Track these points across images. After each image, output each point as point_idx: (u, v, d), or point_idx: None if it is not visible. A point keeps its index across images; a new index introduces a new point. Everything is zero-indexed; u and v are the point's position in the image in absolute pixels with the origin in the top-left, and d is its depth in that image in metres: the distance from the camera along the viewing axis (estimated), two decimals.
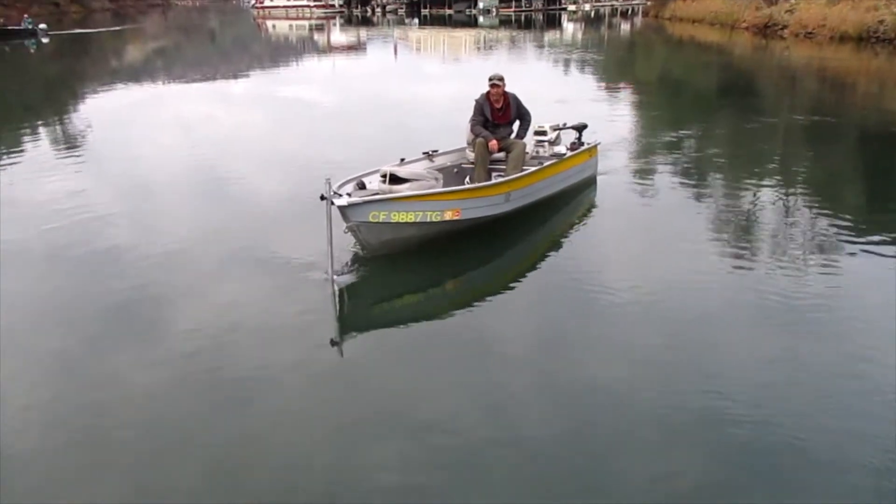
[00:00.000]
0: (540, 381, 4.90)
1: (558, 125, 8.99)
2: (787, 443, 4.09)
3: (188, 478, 3.88)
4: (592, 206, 8.80)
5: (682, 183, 9.95)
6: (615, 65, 29.62)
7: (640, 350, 5.19)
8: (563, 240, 7.64)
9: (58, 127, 16.19)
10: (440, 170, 7.95)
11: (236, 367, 5.00)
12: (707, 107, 17.77)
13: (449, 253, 6.92)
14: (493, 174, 8.07)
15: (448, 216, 6.64)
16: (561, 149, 8.83)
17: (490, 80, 7.96)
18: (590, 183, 9.27)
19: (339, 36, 49.78)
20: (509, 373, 5.00)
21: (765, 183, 9.77)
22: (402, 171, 6.85)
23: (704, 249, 7.22)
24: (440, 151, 8.28)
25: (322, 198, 5.95)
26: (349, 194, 6.36)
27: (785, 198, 9.12)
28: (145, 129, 14.98)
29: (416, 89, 20.68)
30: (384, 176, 6.76)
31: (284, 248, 7.08)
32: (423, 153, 8.10)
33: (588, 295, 6.14)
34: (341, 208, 6.06)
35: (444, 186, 7.26)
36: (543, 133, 8.80)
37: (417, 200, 6.44)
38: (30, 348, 5.36)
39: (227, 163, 11.44)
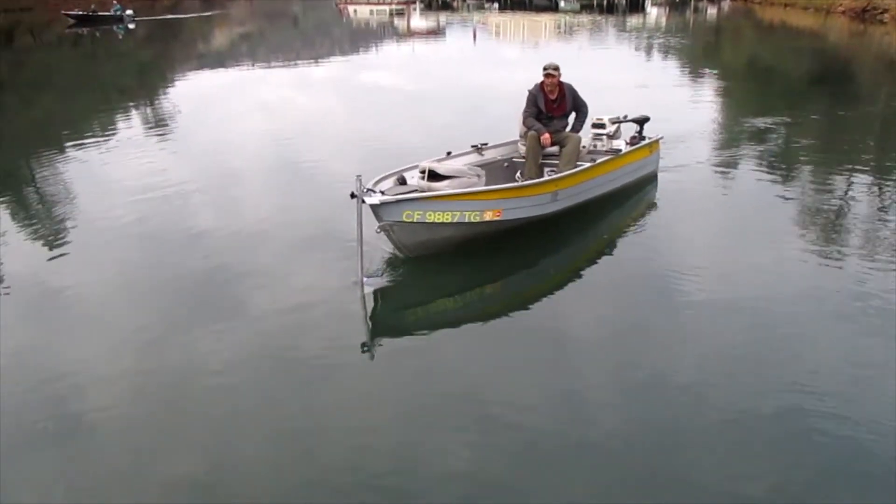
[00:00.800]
0: (587, 392, 4.56)
1: (618, 118, 8.44)
2: (872, 447, 3.89)
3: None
4: (652, 205, 8.23)
5: (761, 179, 9.27)
6: (700, 51, 28.70)
7: (713, 355, 4.96)
8: (616, 242, 7.13)
9: (148, 109, 16.83)
10: (489, 164, 7.58)
11: (254, 371, 4.79)
12: (797, 96, 17.02)
13: (490, 255, 6.50)
14: (546, 169, 7.64)
15: (488, 216, 6.20)
16: (620, 143, 8.27)
17: (544, 69, 7.51)
18: (649, 180, 8.64)
19: (419, 21, 49.91)
20: (556, 384, 4.65)
21: (857, 179, 9.19)
22: (440, 168, 6.45)
23: (784, 249, 6.73)
24: (490, 144, 7.89)
25: (352, 195, 5.58)
26: (382, 192, 6.03)
27: (879, 194, 8.64)
28: (228, 112, 15.41)
29: (492, 75, 20.54)
30: (423, 172, 6.41)
31: (341, 236, 6.82)
32: (472, 146, 7.73)
33: (642, 300, 5.78)
34: (373, 207, 5.72)
35: (490, 183, 6.91)
36: (602, 126, 8.26)
37: (455, 200, 6.02)
38: (111, 316, 5.62)
39: (301, 147, 11.65)
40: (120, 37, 37.96)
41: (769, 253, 6.64)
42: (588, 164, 7.36)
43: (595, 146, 8.17)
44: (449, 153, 7.40)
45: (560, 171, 7.10)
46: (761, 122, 12.82)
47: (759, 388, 4.48)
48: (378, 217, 5.79)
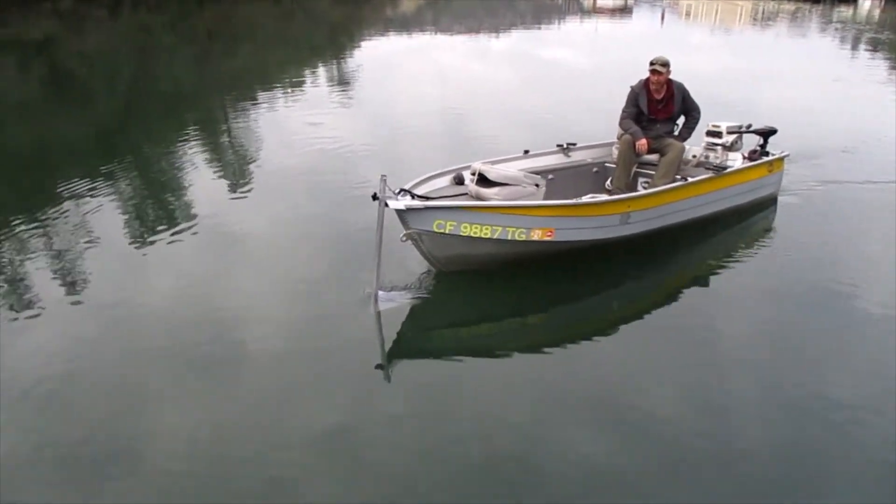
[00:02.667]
0: (624, 463, 3.62)
1: (739, 126, 7.05)
2: None
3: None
4: (761, 238, 6.71)
5: None
6: None
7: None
8: (703, 281, 5.81)
9: (333, 67, 17.91)
10: (575, 167, 6.74)
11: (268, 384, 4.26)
12: None
13: (541, 278, 5.57)
14: (640, 180, 6.68)
15: (537, 236, 5.29)
16: (736, 157, 6.92)
17: (651, 64, 6.45)
18: (765, 205, 7.15)
19: None
20: (593, 447, 3.72)
21: None
22: (491, 172, 5.52)
23: None
24: (579, 144, 6.97)
25: (374, 197, 4.83)
26: (417, 195, 5.25)
27: None
28: (404, 76, 16.06)
29: (674, 60, 19.76)
30: (473, 174, 5.60)
31: None
32: (558, 145, 6.86)
33: (709, 362, 4.60)
34: (399, 212, 4.90)
35: (572, 188, 6.21)
36: (717, 134, 6.95)
37: (496, 212, 5.14)
38: (266, 258, 6.06)
39: (466, 116, 11.96)
40: None
41: None
42: (679, 183, 6.17)
43: (707, 157, 6.94)
44: (526, 151, 6.57)
45: (654, 184, 6.27)
46: None
47: None
48: (405, 224, 4.99)
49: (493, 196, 5.40)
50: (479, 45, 23.59)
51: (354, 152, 9.26)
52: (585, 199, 5.88)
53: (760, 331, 5.05)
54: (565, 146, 6.87)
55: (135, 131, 11.28)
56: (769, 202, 7.24)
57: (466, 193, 5.60)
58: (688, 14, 39.48)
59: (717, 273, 5.91)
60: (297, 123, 11.16)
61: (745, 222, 6.87)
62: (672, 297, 5.58)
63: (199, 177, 8.35)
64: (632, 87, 6.67)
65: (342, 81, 15.65)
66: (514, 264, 5.51)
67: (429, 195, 5.45)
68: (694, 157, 6.91)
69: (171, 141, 10.23)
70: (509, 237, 5.20)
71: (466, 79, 16.04)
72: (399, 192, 5.08)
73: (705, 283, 5.79)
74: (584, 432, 3.85)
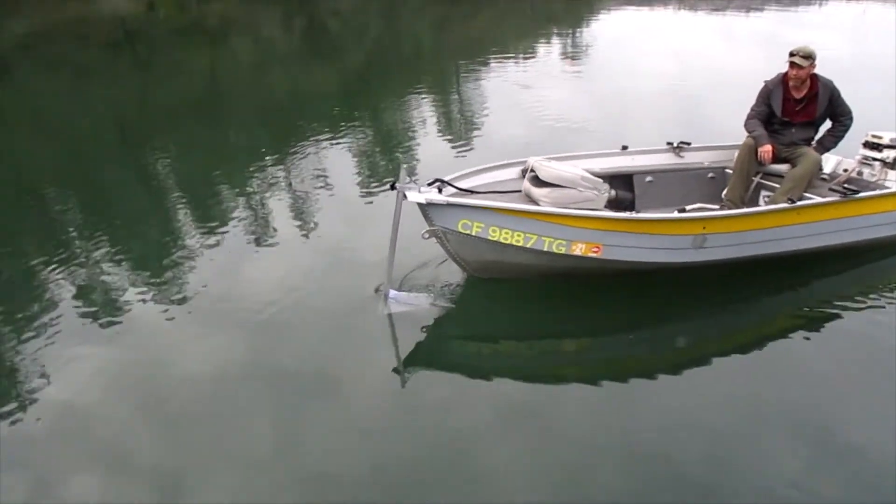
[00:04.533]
0: None
1: None
2: None
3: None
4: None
5: None
6: None
7: None
8: (805, 328, 4.46)
9: (567, 39, 17.89)
10: (686, 170, 5.78)
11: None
12: None
13: (589, 298, 4.71)
14: (762, 193, 5.57)
15: (579, 250, 4.43)
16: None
17: (790, 55, 5.25)
18: None
19: None
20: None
21: None
22: (542, 171, 4.75)
23: None
24: (694, 145, 5.92)
25: (392, 187, 4.37)
26: (462, 189, 4.72)
27: None
28: (638, 52, 15.64)
29: None
30: (528, 170, 4.89)
31: None
32: (668, 143, 5.88)
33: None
34: (421, 207, 4.36)
35: (678, 195, 5.43)
36: (877, 147, 5.62)
37: (531, 218, 4.36)
38: None
39: (691, 97, 11.43)
40: None
41: None
42: (779, 206, 4.91)
43: (860, 173, 5.68)
44: (625, 147, 5.69)
45: (774, 200, 5.17)
46: None
47: None
48: (428, 220, 4.45)
49: (542, 198, 4.66)
50: (725, 24, 22.24)
51: (570, 127, 9.29)
52: (645, 214, 4.95)
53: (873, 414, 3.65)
54: (676, 144, 5.87)
55: (374, 85, 12.18)
56: None
57: (518, 191, 4.92)
58: None
59: (821, 325, 4.53)
60: (521, 93, 11.37)
61: (879, 260, 5.34)
62: (752, 346, 4.31)
63: (425, 135, 8.88)
64: (765, 83, 5.55)
65: (574, 54, 15.62)
66: (561, 278, 4.72)
67: (476, 189, 4.86)
68: (845, 170, 5.68)
69: (404, 97, 10.93)
70: (545, 248, 4.43)
71: (701, 59, 15.28)
72: (433, 183, 4.53)
73: (799, 335, 4.41)
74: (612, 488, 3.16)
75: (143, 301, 4.70)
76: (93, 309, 4.63)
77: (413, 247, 4.70)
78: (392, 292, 4.52)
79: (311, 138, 8.47)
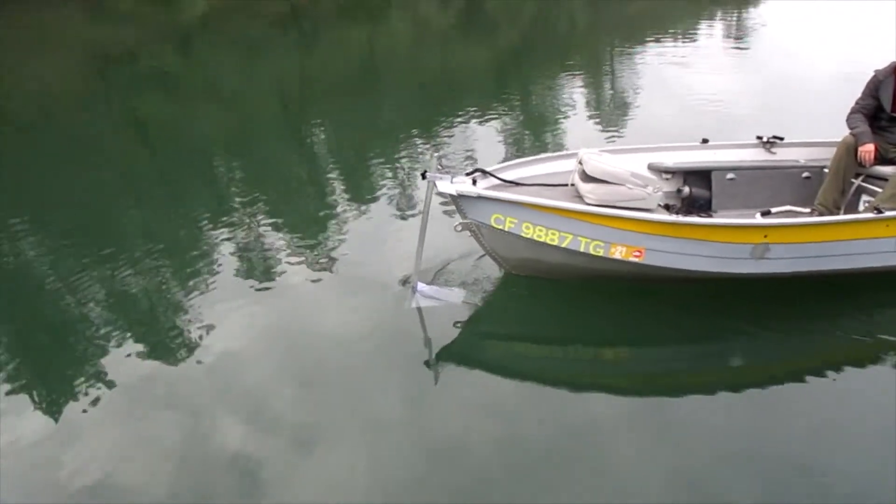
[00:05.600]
0: None
1: None
2: None
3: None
4: None
5: None
6: None
7: None
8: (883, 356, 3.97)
9: (732, 19, 16.93)
10: (777, 168, 5.14)
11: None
12: None
13: (636, 304, 4.37)
14: (863, 198, 4.92)
15: (619, 254, 4.10)
16: None
17: None
18: None
19: None
20: None
21: None
22: (589, 164, 4.34)
23: None
24: (788, 140, 5.26)
25: (423, 176, 4.19)
26: (506, 181, 4.45)
27: None
28: (805, 36, 14.59)
29: None
30: (579, 163, 4.48)
31: None
32: (758, 137, 5.25)
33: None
34: (453, 198, 4.15)
35: (766, 196, 4.89)
36: None
37: (566, 216, 4.06)
38: None
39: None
40: None
41: None
42: (867, 214, 4.36)
43: None
44: (705, 140, 5.14)
45: (877, 203, 4.48)
46: None
47: None
48: (461, 212, 4.24)
49: (587, 193, 4.32)
50: None
51: (727, 112, 8.83)
52: (694, 217, 4.49)
53: None
54: (768, 139, 5.25)
55: (525, 63, 12.16)
56: None
57: (567, 184, 4.62)
58: None
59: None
60: (677, 76, 10.94)
61: None
62: (816, 373, 3.83)
63: (574, 116, 8.78)
64: (875, 72, 4.90)
65: (738, 37, 14.79)
66: (604, 280, 4.39)
67: (524, 180, 4.56)
68: None
69: (555, 77, 10.84)
70: (582, 249, 4.12)
71: (865, 50, 14.00)
72: (472, 173, 4.35)
73: (875, 366, 3.92)
74: None
75: (292, 264, 5.02)
76: (249, 268, 5.03)
77: (453, 238, 4.54)
78: (420, 285, 4.40)
79: (461, 116, 8.62)
